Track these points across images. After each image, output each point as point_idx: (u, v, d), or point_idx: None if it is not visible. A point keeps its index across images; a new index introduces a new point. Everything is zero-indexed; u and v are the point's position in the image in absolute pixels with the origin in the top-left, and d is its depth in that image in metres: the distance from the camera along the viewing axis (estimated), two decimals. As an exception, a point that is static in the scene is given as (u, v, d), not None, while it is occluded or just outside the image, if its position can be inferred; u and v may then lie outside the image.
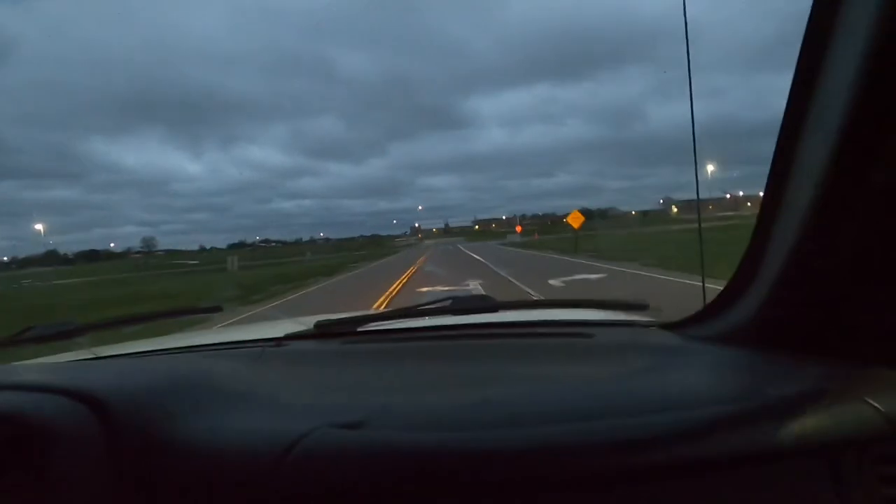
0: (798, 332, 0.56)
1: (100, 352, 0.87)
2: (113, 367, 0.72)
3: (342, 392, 0.63)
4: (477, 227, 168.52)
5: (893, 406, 0.43)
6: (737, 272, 0.61)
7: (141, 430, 0.48)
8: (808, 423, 0.43)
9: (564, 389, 0.56)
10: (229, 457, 0.46)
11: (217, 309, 1.06)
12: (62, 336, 0.76)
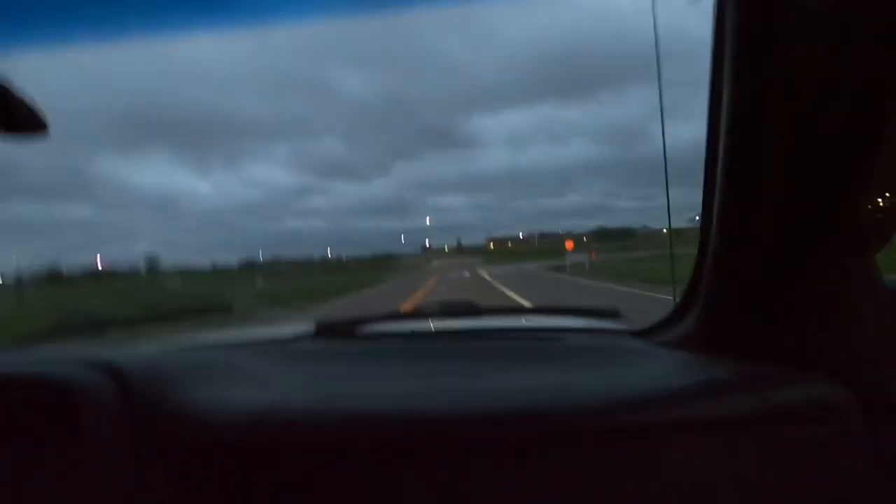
0: (725, 339, 0.67)
1: (129, 345, 1.01)
2: (135, 351, 0.85)
3: (327, 380, 0.73)
4: (492, 245, 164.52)
5: (779, 396, 0.54)
6: (686, 289, 0.72)
7: (152, 397, 0.60)
8: (708, 408, 0.54)
9: (528, 379, 0.66)
10: (218, 420, 0.58)
11: (228, 308, 1.08)
12: (93, 328, 0.94)
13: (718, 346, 0.68)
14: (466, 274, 24.81)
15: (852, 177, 0.51)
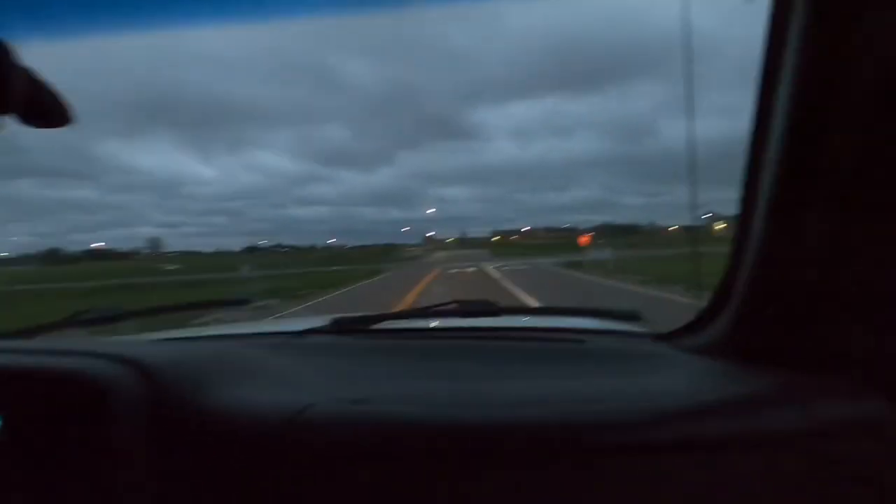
0: (762, 346, 0.63)
1: (144, 336, 1.06)
2: (158, 345, 0.82)
3: (350, 378, 0.71)
4: (497, 238, 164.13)
5: (826, 411, 0.51)
6: (716, 290, 0.69)
7: (178, 395, 0.58)
8: (745, 422, 0.51)
9: (551, 385, 0.65)
10: (244, 421, 0.56)
11: (245, 301, 1.19)
12: (108, 321, 0.89)
13: (751, 354, 0.64)
14: (470, 269, 21.77)
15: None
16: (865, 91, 0.47)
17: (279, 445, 0.54)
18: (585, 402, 0.56)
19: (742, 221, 0.62)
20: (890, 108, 0.47)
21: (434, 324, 1.03)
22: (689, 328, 0.77)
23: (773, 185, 0.55)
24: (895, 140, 0.48)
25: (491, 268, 22.11)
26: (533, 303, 8.41)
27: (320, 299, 11.90)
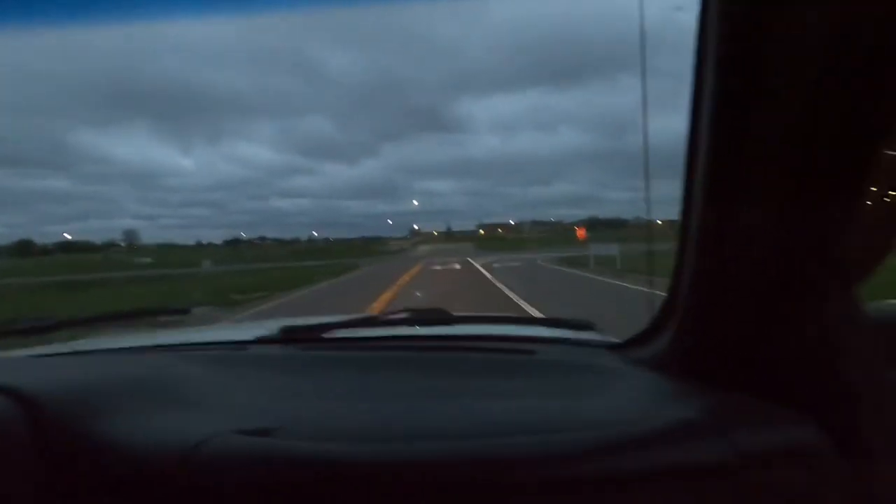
0: (702, 363, 0.63)
1: (77, 346, 0.98)
2: (59, 364, 0.77)
3: (281, 399, 0.67)
4: (482, 231, 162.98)
5: (758, 439, 0.51)
6: (663, 302, 0.68)
7: (67, 427, 0.52)
8: (674, 452, 0.50)
9: (496, 405, 0.63)
10: (145, 453, 0.51)
11: (185, 311, 1.13)
12: (39, 331, 0.83)
13: (691, 372, 0.65)
14: (457, 266, 19.06)
15: (843, 202, 0.49)
16: (787, 85, 0.48)
17: (176, 482, 0.48)
18: (521, 429, 0.54)
19: (681, 233, 0.61)
20: (809, 102, 0.47)
21: (386, 333, 1.00)
22: (640, 339, 0.77)
23: (702, 198, 0.55)
24: (824, 158, 0.48)
25: (479, 264, 19.54)
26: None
27: (260, 308, 9.94)
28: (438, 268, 18.24)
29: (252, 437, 0.52)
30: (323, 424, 0.57)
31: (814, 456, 0.51)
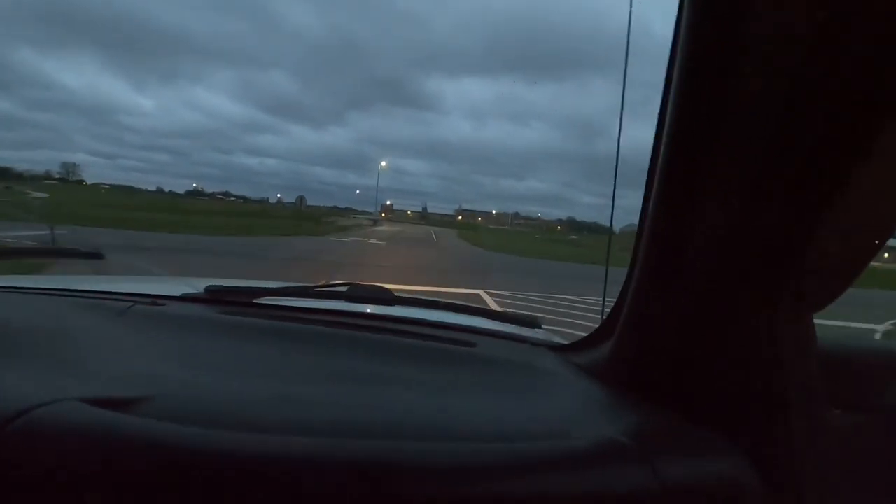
0: (637, 376, 0.63)
1: None
2: None
3: (181, 364, 0.61)
4: (460, 217, 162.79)
5: (672, 471, 0.47)
6: (611, 309, 0.68)
7: None
8: (587, 475, 0.46)
9: (418, 399, 0.60)
10: None
11: (98, 256, 1.04)
12: None
13: (628, 383, 0.64)
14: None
15: (802, 222, 0.48)
16: (749, 93, 0.47)
17: None
18: (429, 432, 0.51)
19: (636, 242, 0.60)
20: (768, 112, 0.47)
21: (321, 305, 0.93)
22: (584, 343, 0.76)
23: (655, 210, 0.55)
24: (784, 175, 0.47)
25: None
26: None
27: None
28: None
29: (95, 409, 0.44)
30: (204, 399, 0.51)
31: (739, 491, 0.50)
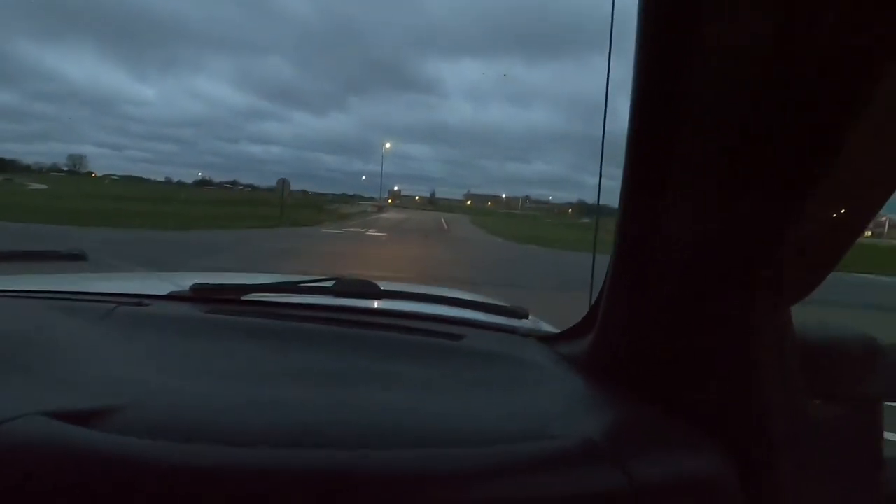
0: (620, 368, 0.63)
1: None
2: None
3: (161, 368, 0.61)
4: (469, 202, 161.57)
5: (645, 471, 0.47)
6: (595, 300, 0.68)
7: None
8: (557, 478, 0.45)
9: (395, 399, 0.59)
10: None
11: (81, 257, 1.03)
12: None
13: (610, 375, 0.65)
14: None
15: (778, 213, 0.48)
16: (720, 87, 0.47)
17: None
18: (399, 439, 0.49)
19: (617, 227, 0.61)
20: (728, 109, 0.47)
21: (308, 300, 0.94)
22: (572, 332, 0.77)
23: (628, 193, 0.55)
24: (764, 164, 0.47)
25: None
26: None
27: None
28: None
29: (59, 424, 0.42)
30: (178, 407, 0.50)
31: (716, 489, 0.49)
